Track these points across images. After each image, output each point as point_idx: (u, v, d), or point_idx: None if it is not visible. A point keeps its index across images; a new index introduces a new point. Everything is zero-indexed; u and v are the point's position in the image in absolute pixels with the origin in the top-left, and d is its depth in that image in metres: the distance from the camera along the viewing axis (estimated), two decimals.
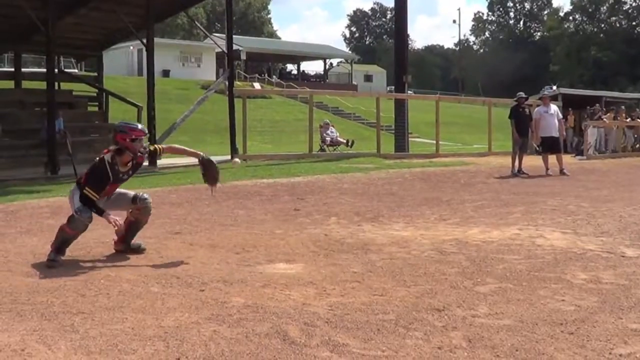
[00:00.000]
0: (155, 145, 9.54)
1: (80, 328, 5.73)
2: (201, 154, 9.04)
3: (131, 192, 9.19)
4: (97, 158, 8.88)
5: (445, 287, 7.03)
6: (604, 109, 35.48)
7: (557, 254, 8.62)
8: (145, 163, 9.40)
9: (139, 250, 9.02)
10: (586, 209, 13.07)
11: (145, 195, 9.14)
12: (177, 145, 9.72)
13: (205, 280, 7.35)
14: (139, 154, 8.82)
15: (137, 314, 6.11)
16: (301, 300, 6.54)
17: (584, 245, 9.22)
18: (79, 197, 8.61)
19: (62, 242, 8.57)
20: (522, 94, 22.61)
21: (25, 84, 31.09)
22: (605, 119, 33.31)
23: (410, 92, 41.22)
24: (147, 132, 9.06)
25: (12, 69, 33.53)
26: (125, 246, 9.03)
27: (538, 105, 23.75)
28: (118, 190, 9.11)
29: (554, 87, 38.09)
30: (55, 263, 8.35)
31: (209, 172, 9.09)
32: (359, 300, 6.53)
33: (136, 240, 9.17)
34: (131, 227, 9.06)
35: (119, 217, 8.78)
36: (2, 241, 10.02)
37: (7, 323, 5.89)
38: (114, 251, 8.95)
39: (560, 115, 23.24)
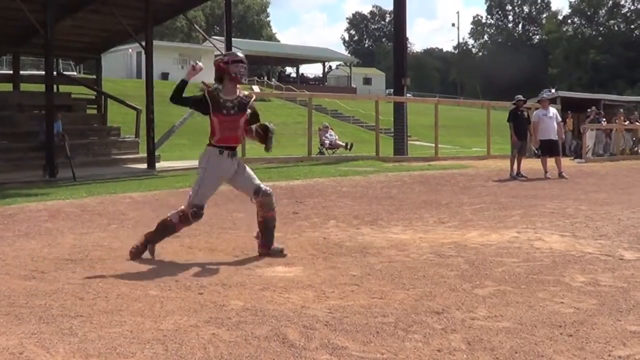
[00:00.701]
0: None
1: (78, 331, 5.72)
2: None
3: (257, 180, 9.10)
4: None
5: (444, 289, 7.03)
6: (602, 111, 35.57)
7: (556, 257, 8.63)
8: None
9: (280, 254, 8.90)
10: (585, 212, 13.08)
11: (269, 190, 9.03)
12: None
13: (204, 284, 7.34)
14: (233, 74, 8.77)
15: (135, 317, 6.10)
16: (300, 303, 6.54)
17: (582, 248, 9.23)
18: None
19: (161, 235, 8.98)
20: (520, 97, 22.63)
21: (24, 87, 31.16)
22: (603, 122, 33.42)
23: (409, 95, 41.33)
24: (245, 61, 8.94)
25: (11, 72, 33.61)
26: (265, 250, 8.96)
27: (537, 109, 23.78)
28: (248, 170, 9.15)
29: (553, 90, 38.14)
30: (151, 252, 8.80)
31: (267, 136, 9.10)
32: (358, 303, 6.53)
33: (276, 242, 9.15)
34: (263, 229, 9.03)
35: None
36: (0, 244, 10.02)
37: (5, 326, 5.88)
38: (112, 254, 8.94)
39: (560, 118, 23.26)
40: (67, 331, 5.73)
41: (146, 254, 8.80)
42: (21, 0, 23.10)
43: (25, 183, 19.63)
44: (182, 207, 8.93)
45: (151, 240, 8.86)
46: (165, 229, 8.88)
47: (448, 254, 8.93)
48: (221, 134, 8.83)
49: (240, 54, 9.00)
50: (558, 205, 14.20)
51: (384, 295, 6.80)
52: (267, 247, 8.93)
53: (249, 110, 8.92)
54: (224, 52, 8.83)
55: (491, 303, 6.49)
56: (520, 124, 21.87)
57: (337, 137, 34.75)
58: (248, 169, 9.21)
